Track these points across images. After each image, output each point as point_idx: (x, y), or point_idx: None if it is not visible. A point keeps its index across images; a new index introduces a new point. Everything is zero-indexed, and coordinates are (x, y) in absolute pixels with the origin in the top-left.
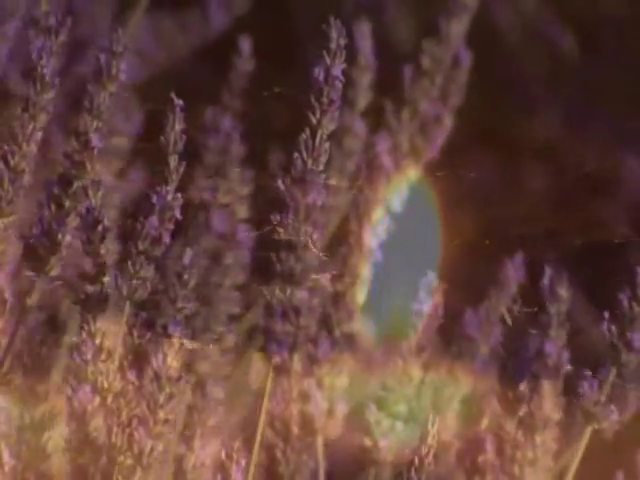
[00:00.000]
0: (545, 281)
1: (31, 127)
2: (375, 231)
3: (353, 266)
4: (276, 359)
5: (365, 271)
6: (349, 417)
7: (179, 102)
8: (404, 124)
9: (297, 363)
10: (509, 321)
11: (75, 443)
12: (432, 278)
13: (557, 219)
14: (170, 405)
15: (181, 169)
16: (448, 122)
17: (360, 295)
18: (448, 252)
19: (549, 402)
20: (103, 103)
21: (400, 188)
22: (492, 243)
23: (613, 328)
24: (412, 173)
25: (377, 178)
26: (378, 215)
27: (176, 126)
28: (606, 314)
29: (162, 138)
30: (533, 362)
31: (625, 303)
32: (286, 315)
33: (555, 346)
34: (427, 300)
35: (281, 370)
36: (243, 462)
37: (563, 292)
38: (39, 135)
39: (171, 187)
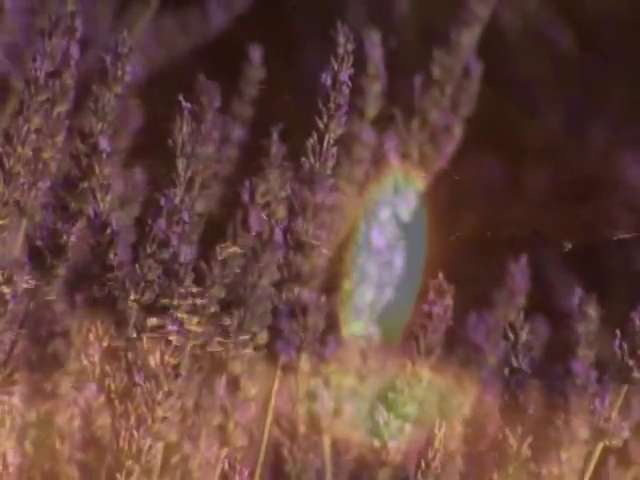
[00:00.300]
0: (575, 301)
1: (25, 129)
2: (381, 231)
3: (359, 265)
4: (283, 358)
5: (372, 271)
6: (354, 417)
7: (187, 104)
8: (414, 133)
9: (304, 362)
10: (512, 337)
11: (78, 442)
12: (441, 279)
13: (556, 221)
14: (168, 403)
15: (189, 172)
16: (458, 131)
17: (366, 295)
18: (446, 253)
19: (573, 419)
20: (108, 105)
21: (403, 189)
22: (491, 244)
23: (624, 345)
24: (415, 175)
25: (383, 178)
26: (383, 215)
27: (184, 128)
28: (618, 332)
29: (169, 140)
30: (536, 377)
31: (637, 322)
32: (293, 314)
33: (583, 365)
34: (437, 301)
35: (288, 369)
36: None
37: (592, 311)
38: (34, 137)
39: (179, 190)
